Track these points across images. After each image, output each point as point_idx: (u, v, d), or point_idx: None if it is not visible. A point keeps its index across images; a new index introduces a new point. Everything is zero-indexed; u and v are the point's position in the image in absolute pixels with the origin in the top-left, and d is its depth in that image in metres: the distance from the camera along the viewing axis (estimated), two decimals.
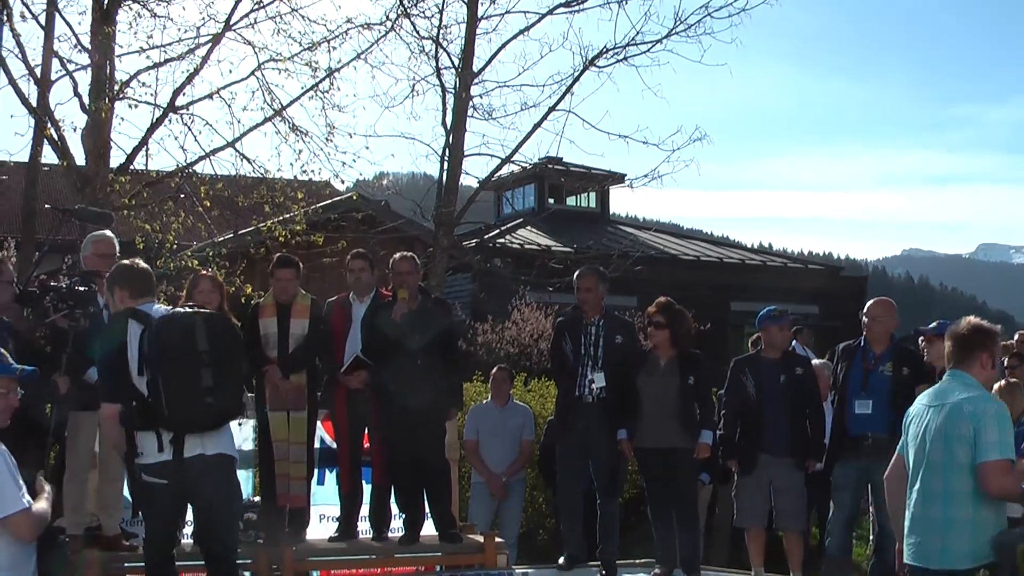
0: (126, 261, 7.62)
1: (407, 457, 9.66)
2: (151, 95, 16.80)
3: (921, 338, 9.48)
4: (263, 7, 17.24)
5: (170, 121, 16.76)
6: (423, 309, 9.80)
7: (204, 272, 10.41)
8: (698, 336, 10.54)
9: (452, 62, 19.09)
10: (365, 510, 10.12)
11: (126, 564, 9.45)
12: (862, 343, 9.30)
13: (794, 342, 19.10)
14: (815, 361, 10.83)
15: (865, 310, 9.38)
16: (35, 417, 8.17)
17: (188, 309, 7.24)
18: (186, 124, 16.89)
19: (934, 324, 9.46)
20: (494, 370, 12.30)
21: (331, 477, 10.48)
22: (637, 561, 10.37)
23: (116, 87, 16.37)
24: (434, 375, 9.68)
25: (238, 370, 7.59)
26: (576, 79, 19.38)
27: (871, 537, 10.54)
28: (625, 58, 19.47)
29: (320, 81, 17.59)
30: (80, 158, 16.39)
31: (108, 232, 9.43)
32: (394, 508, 10.09)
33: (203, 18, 16.92)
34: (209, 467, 7.18)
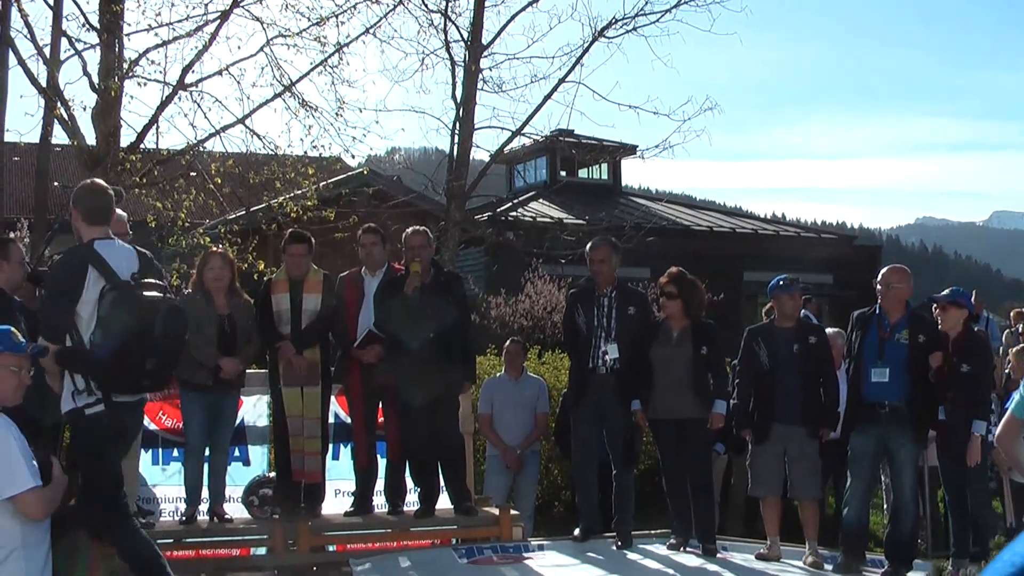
0: (87, 180, 7.57)
1: (422, 431, 9.67)
2: (160, 73, 16.77)
3: (935, 305, 9.43)
4: None
5: (180, 99, 16.74)
6: (436, 283, 9.80)
7: (215, 249, 10.41)
8: (711, 306, 10.52)
9: (461, 35, 19.12)
10: (380, 484, 10.15)
11: None
12: (877, 311, 9.23)
13: (803, 311, 19.13)
14: (829, 330, 10.77)
15: (879, 278, 9.32)
16: (48, 396, 8.18)
17: (156, 293, 7.09)
18: (196, 101, 16.87)
19: (947, 292, 9.41)
20: (507, 343, 12.29)
21: (346, 452, 10.51)
22: (652, 532, 10.37)
23: (125, 66, 16.33)
24: (448, 349, 9.69)
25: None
26: (586, 50, 19.39)
27: (886, 506, 10.53)
28: (634, 28, 19.50)
29: (329, 56, 17.55)
30: (90, 137, 16.38)
31: (120, 210, 9.42)
32: (409, 482, 10.13)
33: None
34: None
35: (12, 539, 5.39)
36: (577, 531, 9.96)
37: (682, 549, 9.63)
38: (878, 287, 9.24)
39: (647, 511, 11.69)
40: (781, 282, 9.71)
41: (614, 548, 9.65)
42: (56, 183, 13.41)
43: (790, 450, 9.41)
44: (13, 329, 5.91)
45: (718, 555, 9.46)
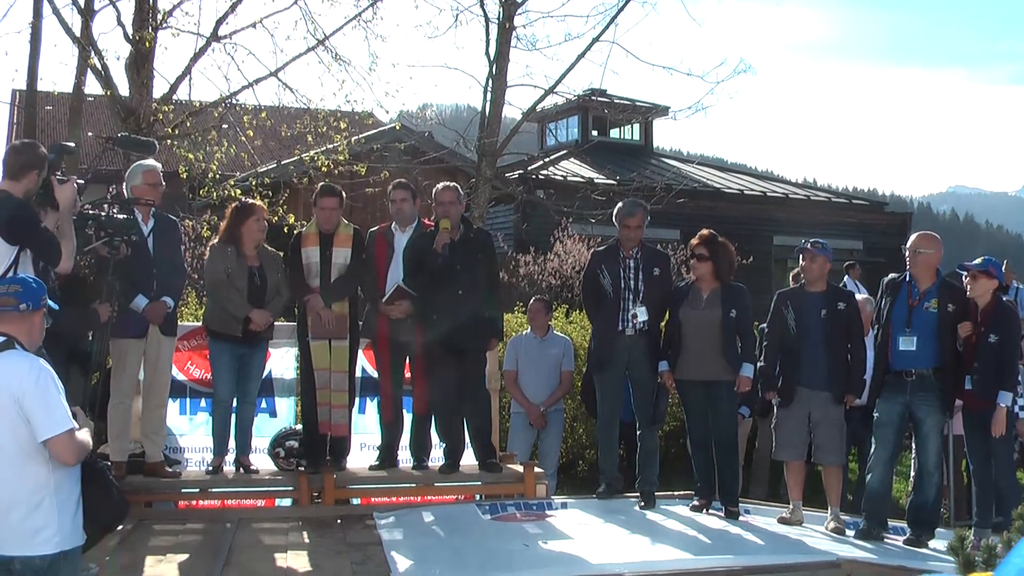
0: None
1: (448, 387, 9.72)
2: (194, 24, 16.78)
3: (965, 274, 9.37)
4: None
5: (213, 51, 16.77)
6: (465, 239, 9.82)
7: (255, 201, 10.41)
8: (740, 269, 10.49)
9: None
10: (405, 439, 10.20)
11: (168, 491, 9.60)
12: (907, 278, 9.19)
13: (846, 277, 19.08)
14: (858, 296, 10.74)
15: (909, 244, 9.26)
16: (77, 345, 8.24)
17: None
18: (229, 54, 16.89)
19: (979, 260, 9.34)
20: (531, 301, 12.31)
21: (372, 406, 10.57)
22: (676, 493, 10.40)
23: (159, 16, 16.34)
24: (475, 305, 9.72)
25: None
26: (621, 9, 19.31)
27: (911, 474, 10.52)
28: None
29: (363, 11, 17.54)
30: (124, 88, 16.42)
31: (155, 161, 9.46)
32: (434, 437, 10.17)
33: None
34: None
35: (45, 485, 5.44)
36: (600, 490, 10.00)
37: (705, 511, 9.66)
38: (907, 253, 9.20)
39: (671, 472, 11.73)
40: (805, 245, 9.67)
41: (637, 508, 9.68)
42: (90, 133, 13.40)
43: (814, 415, 9.40)
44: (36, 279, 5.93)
45: (740, 518, 9.48)
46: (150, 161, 9.45)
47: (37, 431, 5.34)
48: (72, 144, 8.56)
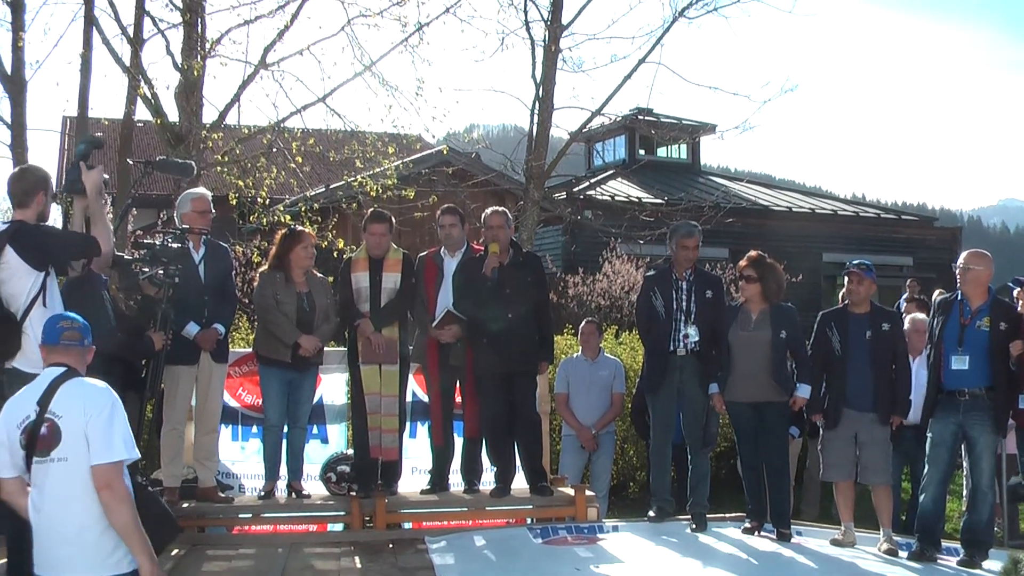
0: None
1: (499, 410, 9.73)
2: (242, 52, 16.97)
3: (1017, 289, 9.30)
4: None
5: (261, 78, 16.84)
6: (514, 263, 9.85)
7: (304, 228, 10.48)
8: (790, 287, 10.48)
9: (541, 14, 19.11)
10: (456, 463, 10.23)
11: (220, 516, 9.66)
12: (959, 296, 9.15)
13: (904, 296, 19.01)
14: (917, 315, 10.68)
15: (959, 261, 9.22)
16: (132, 372, 8.31)
17: None
18: (277, 81, 16.93)
19: None
20: (583, 323, 12.30)
21: (423, 430, 10.59)
22: (727, 515, 10.38)
23: (207, 45, 16.47)
24: (525, 328, 9.74)
25: None
26: (666, 30, 19.31)
27: (964, 493, 10.45)
28: (715, 8, 19.37)
29: (409, 36, 17.54)
30: (173, 115, 16.55)
31: (204, 189, 9.54)
32: (485, 461, 10.18)
33: None
34: None
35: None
36: (651, 512, 9.98)
37: (756, 533, 9.64)
38: (957, 271, 9.16)
39: (722, 494, 11.71)
40: (851, 267, 9.65)
41: (688, 531, 9.66)
42: (129, 160, 13.46)
43: (861, 435, 9.38)
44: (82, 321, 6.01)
45: (792, 540, 9.45)
46: (200, 189, 9.55)
47: (91, 454, 5.40)
48: (101, 136, 8.63)
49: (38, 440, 5.45)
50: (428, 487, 10.12)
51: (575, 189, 27.96)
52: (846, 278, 9.65)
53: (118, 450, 5.45)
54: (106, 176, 7.69)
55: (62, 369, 5.64)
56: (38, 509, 5.50)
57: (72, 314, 5.99)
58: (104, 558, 5.45)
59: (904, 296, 18.60)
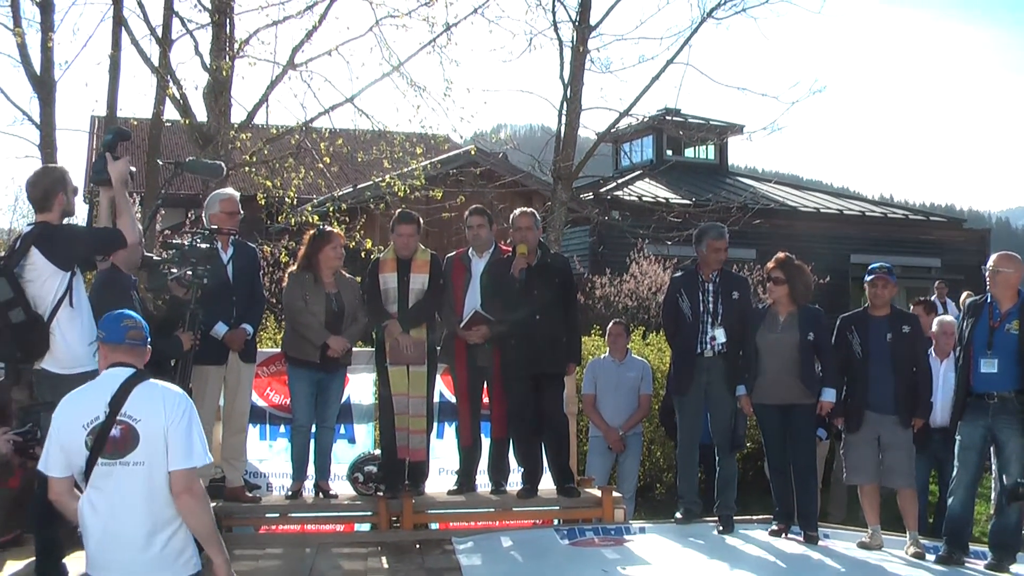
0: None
1: (526, 411, 9.74)
2: (270, 53, 16.96)
3: None
4: None
5: (289, 78, 16.88)
6: (542, 264, 9.85)
7: (332, 228, 10.50)
8: (817, 289, 10.44)
9: (569, 15, 19.08)
10: (484, 463, 10.23)
11: (248, 516, 9.68)
12: (988, 299, 9.11)
13: (934, 297, 18.95)
14: (946, 317, 10.61)
15: (988, 264, 9.19)
16: (161, 372, 8.34)
17: None
18: (305, 81, 17.01)
19: None
20: (610, 324, 12.29)
21: (450, 431, 10.60)
22: (754, 517, 10.34)
23: (236, 45, 16.52)
24: (553, 330, 9.73)
25: None
26: (695, 31, 19.28)
27: (992, 496, 10.40)
28: (744, 9, 19.32)
29: (437, 36, 17.56)
30: (201, 115, 16.61)
31: (232, 190, 9.57)
32: (512, 462, 10.18)
33: None
34: None
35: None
36: (678, 514, 9.97)
37: (784, 535, 9.61)
38: (986, 274, 9.12)
39: (749, 496, 11.67)
40: (873, 269, 9.63)
41: (715, 532, 9.65)
42: (159, 160, 13.51)
43: (883, 438, 9.37)
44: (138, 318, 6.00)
45: (819, 542, 9.42)
46: (228, 190, 9.58)
47: (170, 459, 5.39)
48: (127, 129, 8.66)
49: (108, 442, 5.36)
50: (455, 488, 10.13)
51: (602, 190, 27.94)
52: (868, 281, 9.63)
53: (199, 455, 5.44)
54: (132, 168, 7.72)
55: (131, 370, 5.56)
56: (96, 511, 5.41)
57: (131, 312, 5.95)
58: (171, 562, 5.45)
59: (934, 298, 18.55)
